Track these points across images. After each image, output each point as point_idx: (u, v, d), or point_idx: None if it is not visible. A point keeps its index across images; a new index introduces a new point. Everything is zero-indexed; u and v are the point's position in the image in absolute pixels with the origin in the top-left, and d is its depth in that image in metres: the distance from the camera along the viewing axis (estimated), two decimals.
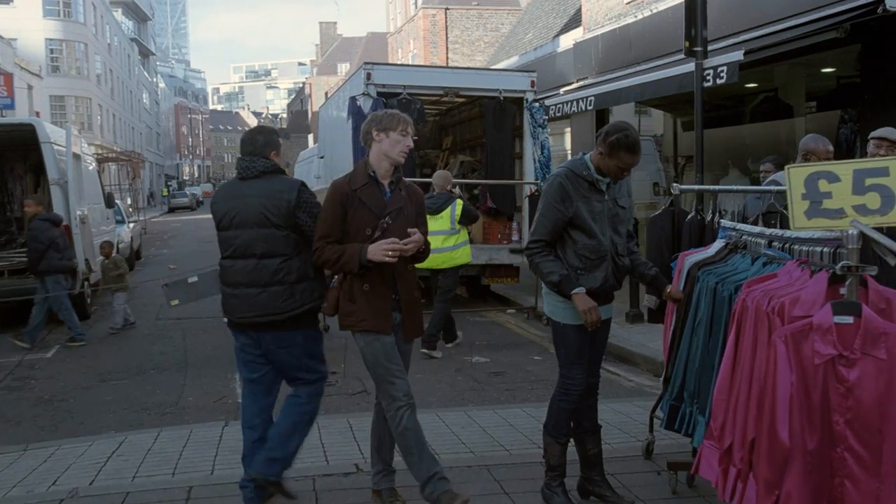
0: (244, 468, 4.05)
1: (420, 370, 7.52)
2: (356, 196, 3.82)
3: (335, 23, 78.76)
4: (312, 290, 3.96)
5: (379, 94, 10.54)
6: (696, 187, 5.12)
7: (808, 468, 2.44)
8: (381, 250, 3.70)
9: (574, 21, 17.77)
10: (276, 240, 3.87)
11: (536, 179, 11.22)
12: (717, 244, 4.07)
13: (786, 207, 4.85)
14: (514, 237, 11.47)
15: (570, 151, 16.82)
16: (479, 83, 10.98)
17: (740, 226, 4.12)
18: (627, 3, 13.88)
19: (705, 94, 12.99)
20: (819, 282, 2.52)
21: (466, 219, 8.57)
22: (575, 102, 11.17)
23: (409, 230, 3.78)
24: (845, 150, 11.36)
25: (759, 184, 9.15)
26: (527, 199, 11.14)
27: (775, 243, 3.31)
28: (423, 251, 3.93)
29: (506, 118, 10.93)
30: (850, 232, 2.41)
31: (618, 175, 3.93)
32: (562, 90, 14.27)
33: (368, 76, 10.51)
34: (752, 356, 2.70)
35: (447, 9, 31.06)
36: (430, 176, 9.45)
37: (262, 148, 4.02)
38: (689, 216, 4.63)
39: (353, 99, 10.60)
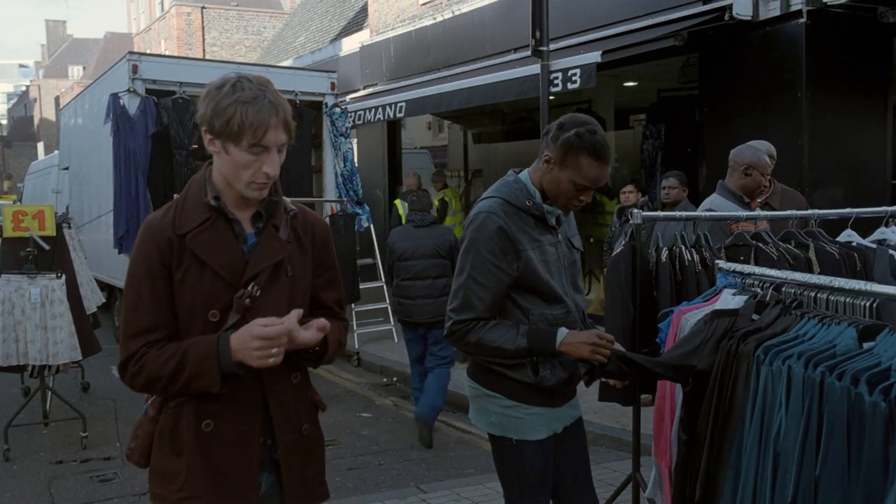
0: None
1: None
2: (186, 248, 2.06)
3: (64, 21, 71.40)
4: None
5: (149, 91, 8.55)
6: (662, 214, 3.95)
7: None
8: (255, 344, 1.99)
9: (356, 23, 16.48)
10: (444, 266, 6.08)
11: (339, 196, 9.77)
12: (732, 297, 2.88)
13: (755, 238, 3.85)
14: None
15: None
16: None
17: (752, 269, 2.97)
18: (423, 5, 12.79)
19: (507, 106, 12.38)
20: None
21: None
22: (381, 109, 9.84)
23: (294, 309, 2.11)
24: (649, 166, 11.07)
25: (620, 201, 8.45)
26: (328, 218, 9.64)
27: None
28: (332, 344, 2.21)
29: (303, 125, 9.36)
30: None
31: (570, 200, 2.70)
32: (348, 97, 12.88)
33: (135, 69, 8.49)
34: None
35: (203, 7, 28.25)
36: None
37: (427, 206, 6.64)
38: (664, 254, 3.42)
39: (114, 97, 8.50)
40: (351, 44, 15.09)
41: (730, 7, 7.44)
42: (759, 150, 4.56)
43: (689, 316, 2.98)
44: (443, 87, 8.97)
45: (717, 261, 3.14)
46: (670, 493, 2.89)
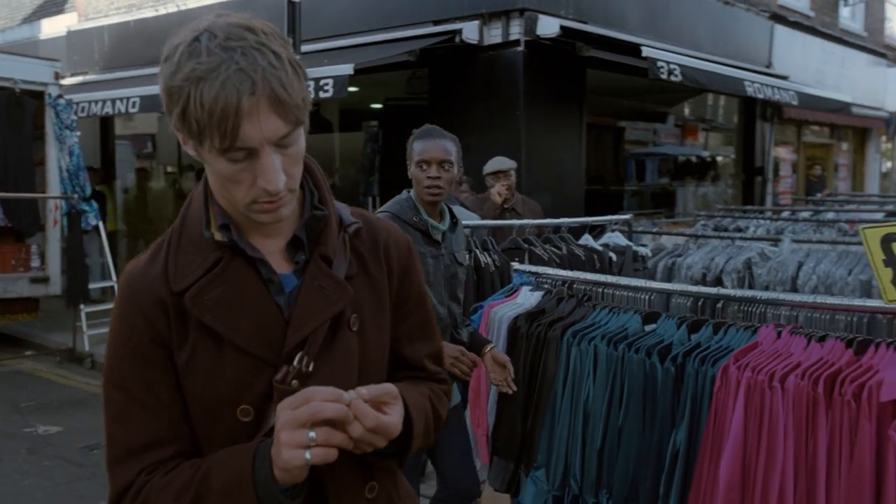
0: None
1: None
2: (189, 312, 1.32)
3: None
4: None
5: None
6: (537, 222, 4.46)
7: None
8: (296, 437, 1.19)
9: (54, 4, 15.32)
10: None
11: (64, 192, 9.25)
12: (530, 293, 3.57)
13: (526, 241, 4.61)
14: (35, 263, 9.28)
15: None
16: None
17: (545, 269, 3.69)
18: None
19: None
20: (893, 360, 2.22)
21: None
22: (111, 102, 9.48)
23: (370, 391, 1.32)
24: (368, 167, 11.83)
25: None
26: (52, 215, 9.13)
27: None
28: (420, 423, 1.41)
29: (24, 116, 8.76)
30: None
31: (423, 185, 2.93)
32: None
33: None
34: (800, 447, 2.29)
35: None
36: None
37: None
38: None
39: None
40: (53, 26, 14.06)
41: (460, 31, 8.34)
42: (504, 163, 5.45)
43: (498, 309, 3.62)
44: None
45: (513, 263, 3.83)
46: (487, 454, 3.51)
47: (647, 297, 3.16)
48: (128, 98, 9.22)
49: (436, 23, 8.72)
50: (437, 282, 3.01)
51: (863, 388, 2.21)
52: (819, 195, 11.31)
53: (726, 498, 2.47)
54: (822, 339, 2.47)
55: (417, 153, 2.95)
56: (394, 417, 1.27)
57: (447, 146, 2.96)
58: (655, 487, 2.76)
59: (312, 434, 1.17)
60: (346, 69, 7.38)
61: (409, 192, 3.07)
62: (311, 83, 7.57)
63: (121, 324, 1.35)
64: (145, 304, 1.33)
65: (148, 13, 11.88)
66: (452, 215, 3.13)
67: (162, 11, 11.69)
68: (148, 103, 9.20)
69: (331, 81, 7.41)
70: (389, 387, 1.29)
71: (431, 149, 2.94)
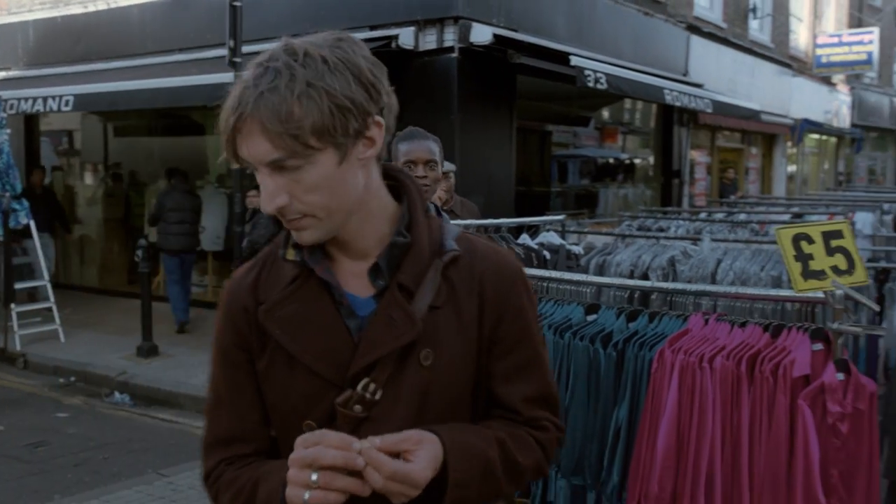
0: None
1: None
2: (262, 331, 1.42)
3: None
4: None
5: None
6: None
7: None
8: (300, 477, 1.23)
9: None
10: None
11: None
12: None
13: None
14: None
15: None
16: None
17: None
18: None
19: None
20: (803, 341, 2.59)
21: None
22: (42, 100, 9.37)
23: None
24: None
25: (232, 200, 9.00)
26: None
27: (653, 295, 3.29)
28: (479, 476, 1.33)
29: None
30: (837, 293, 2.54)
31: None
32: None
33: None
34: (725, 423, 2.64)
35: None
36: None
37: None
38: None
39: None
40: None
41: (396, 37, 8.60)
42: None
43: None
44: (126, 84, 8.85)
45: None
46: None
47: (588, 291, 3.50)
48: (60, 96, 9.14)
49: (372, 28, 8.95)
50: None
51: (778, 367, 2.58)
52: (732, 197, 11.97)
53: (663, 466, 2.82)
54: (743, 324, 2.84)
55: (403, 154, 3.03)
56: (418, 465, 1.22)
57: (431, 146, 3.08)
58: (600, 461, 3.10)
59: (314, 476, 1.19)
60: None
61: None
62: None
63: (217, 326, 1.47)
64: (235, 311, 1.42)
65: (76, 9, 11.73)
66: (440, 214, 3.34)
67: (91, 8, 11.57)
68: (83, 102, 9.15)
69: None
70: (410, 434, 1.25)
71: (417, 149, 3.03)
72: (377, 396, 1.32)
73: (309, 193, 1.29)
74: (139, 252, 8.38)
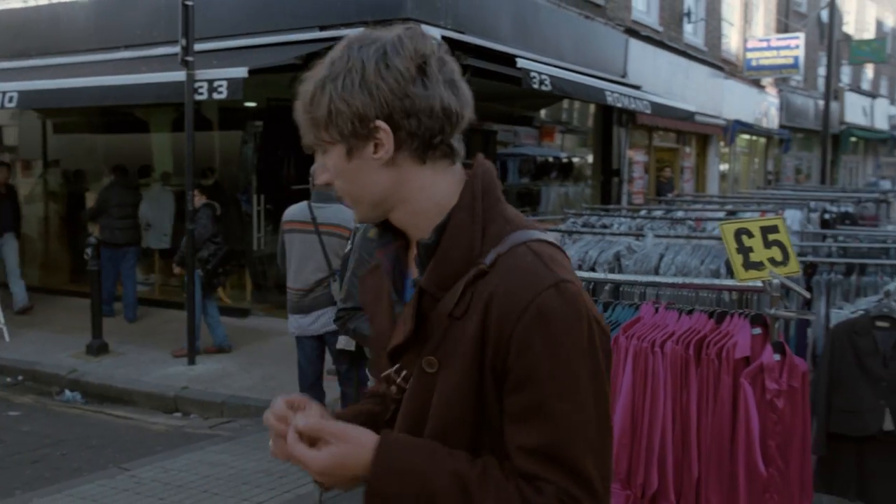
0: None
1: None
2: None
3: None
4: None
5: None
6: None
7: (760, 489, 2.79)
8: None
9: None
10: None
11: None
12: None
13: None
14: None
15: None
16: None
17: None
18: None
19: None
20: (744, 326, 2.87)
21: None
22: None
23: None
24: (250, 166, 11.97)
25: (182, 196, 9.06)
26: None
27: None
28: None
29: None
30: (774, 282, 2.82)
31: None
32: None
33: None
34: (676, 402, 2.90)
35: None
36: None
37: None
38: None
39: None
40: None
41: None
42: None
43: None
44: (74, 81, 8.77)
45: None
46: None
47: None
48: (4, 92, 9.02)
49: (321, 28, 9.06)
50: None
51: (722, 349, 2.85)
52: (669, 195, 12.43)
53: (619, 443, 3.07)
54: (690, 312, 3.11)
55: None
56: (317, 456, 1.27)
57: None
58: None
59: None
60: (241, 72, 7.63)
61: None
62: (205, 84, 7.78)
63: None
64: None
65: (16, 3, 11.55)
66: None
67: (31, 3, 11.41)
68: (28, 99, 9.04)
69: (225, 83, 7.65)
70: (337, 428, 1.29)
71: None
72: (403, 384, 1.37)
73: (336, 178, 1.42)
74: (88, 250, 8.35)
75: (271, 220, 10.80)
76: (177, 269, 8.54)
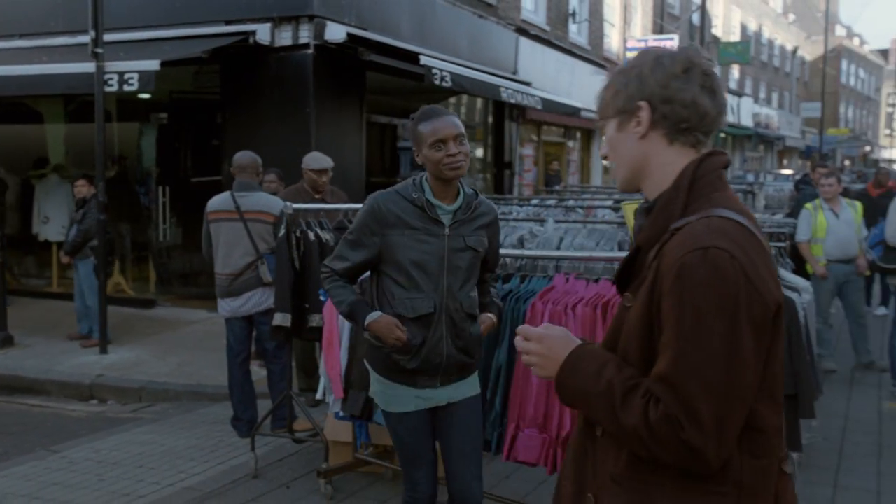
0: None
1: None
2: None
3: None
4: None
5: None
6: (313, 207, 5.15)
7: None
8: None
9: None
10: None
11: None
12: None
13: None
14: None
15: None
16: None
17: None
18: None
19: None
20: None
21: None
22: None
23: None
24: (150, 158, 11.94)
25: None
26: None
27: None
28: None
29: None
30: None
31: (443, 163, 2.91)
32: None
33: None
34: None
35: None
36: None
37: None
38: (311, 236, 4.86)
39: None
40: None
41: (254, 33, 8.97)
42: (318, 159, 6.34)
43: None
44: None
45: None
46: (342, 389, 4.38)
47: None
48: None
49: (228, 22, 9.25)
50: (438, 266, 3.00)
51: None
52: (557, 187, 13.16)
53: (537, 394, 3.59)
54: (597, 280, 3.65)
55: (430, 134, 2.92)
56: (529, 348, 1.74)
57: (455, 121, 2.98)
58: (484, 395, 3.81)
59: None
60: (153, 65, 7.76)
61: (422, 176, 3.06)
62: (115, 76, 7.87)
63: None
64: None
65: None
66: (470, 201, 3.09)
67: None
68: None
69: (136, 76, 7.76)
70: (542, 332, 1.75)
71: (444, 127, 2.93)
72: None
73: (607, 148, 1.82)
74: None
75: (175, 212, 10.87)
76: (64, 259, 8.62)
